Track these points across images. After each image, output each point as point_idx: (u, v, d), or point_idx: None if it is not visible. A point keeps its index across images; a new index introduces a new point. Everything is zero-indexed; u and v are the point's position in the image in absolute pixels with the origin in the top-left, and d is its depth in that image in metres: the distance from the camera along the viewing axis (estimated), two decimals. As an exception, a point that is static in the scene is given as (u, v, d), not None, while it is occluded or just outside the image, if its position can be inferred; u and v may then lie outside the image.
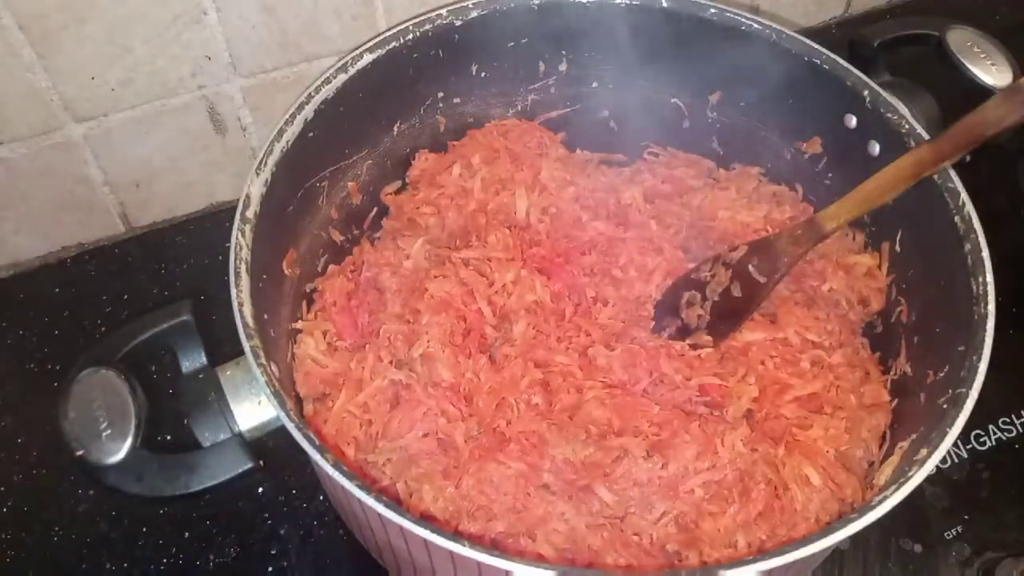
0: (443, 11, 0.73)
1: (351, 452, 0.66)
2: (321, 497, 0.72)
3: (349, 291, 0.73)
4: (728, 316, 0.70)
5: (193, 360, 0.62)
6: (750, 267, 0.69)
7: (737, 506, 0.62)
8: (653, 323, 0.72)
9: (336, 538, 0.70)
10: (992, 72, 0.80)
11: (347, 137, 0.74)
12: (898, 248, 0.71)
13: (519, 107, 0.84)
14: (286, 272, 0.69)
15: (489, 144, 0.82)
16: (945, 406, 0.55)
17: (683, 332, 0.71)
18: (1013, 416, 0.78)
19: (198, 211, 0.92)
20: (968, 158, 0.63)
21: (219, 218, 0.90)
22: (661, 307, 0.73)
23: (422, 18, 0.72)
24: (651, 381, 0.68)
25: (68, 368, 0.60)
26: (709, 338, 0.70)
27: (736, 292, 0.69)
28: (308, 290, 0.73)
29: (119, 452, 0.57)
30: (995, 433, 0.77)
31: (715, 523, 0.62)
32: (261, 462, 0.59)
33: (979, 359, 0.55)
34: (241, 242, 0.59)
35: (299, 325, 0.70)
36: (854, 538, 0.50)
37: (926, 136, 0.66)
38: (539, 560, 0.59)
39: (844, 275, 0.73)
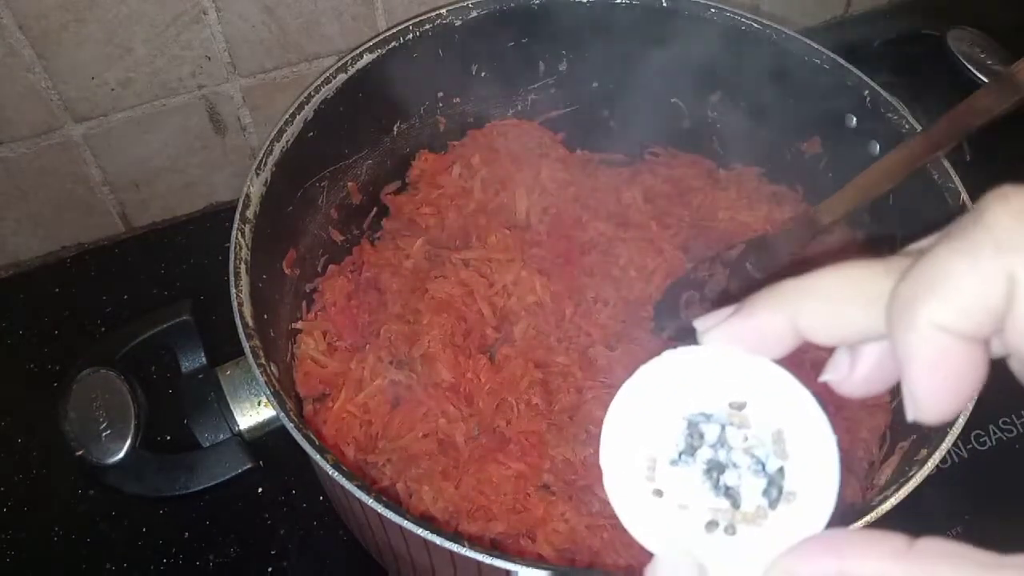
0: (443, 11, 0.73)
1: (351, 452, 0.66)
2: (321, 497, 0.72)
3: (349, 291, 0.73)
4: None
5: (193, 360, 0.62)
6: (748, 265, 0.69)
7: (737, 506, 0.62)
8: (653, 324, 0.72)
9: (336, 538, 0.70)
10: (992, 72, 0.80)
11: (347, 137, 0.74)
12: (898, 248, 0.71)
13: (519, 107, 0.84)
14: (286, 272, 0.69)
15: (489, 144, 0.82)
16: (945, 406, 0.55)
17: (683, 332, 0.71)
18: (1013, 416, 0.78)
19: (198, 211, 0.91)
20: (968, 158, 0.63)
21: (219, 218, 0.90)
22: (660, 308, 0.73)
23: (422, 18, 0.72)
24: (651, 381, 0.68)
25: (68, 368, 0.60)
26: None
27: (735, 290, 0.69)
28: (308, 290, 0.73)
29: (119, 452, 0.57)
30: (995, 433, 0.77)
31: (715, 523, 0.62)
32: (261, 462, 0.59)
33: (979, 359, 0.55)
34: (241, 242, 0.59)
35: (299, 325, 0.70)
36: (854, 538, 0.51)
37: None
38: (539, 560, 0.59)
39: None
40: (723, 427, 0.28)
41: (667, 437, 0.29)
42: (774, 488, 0.28)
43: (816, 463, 0.28)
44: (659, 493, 0.28)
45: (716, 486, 0.28)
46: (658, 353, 0.29)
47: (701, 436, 0.28)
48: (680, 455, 0.28)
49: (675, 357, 0.29)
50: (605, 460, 0.29)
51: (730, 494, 0.28)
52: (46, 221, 0.85)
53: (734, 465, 0.28)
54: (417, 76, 0.75)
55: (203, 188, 0.90)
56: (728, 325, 0.28)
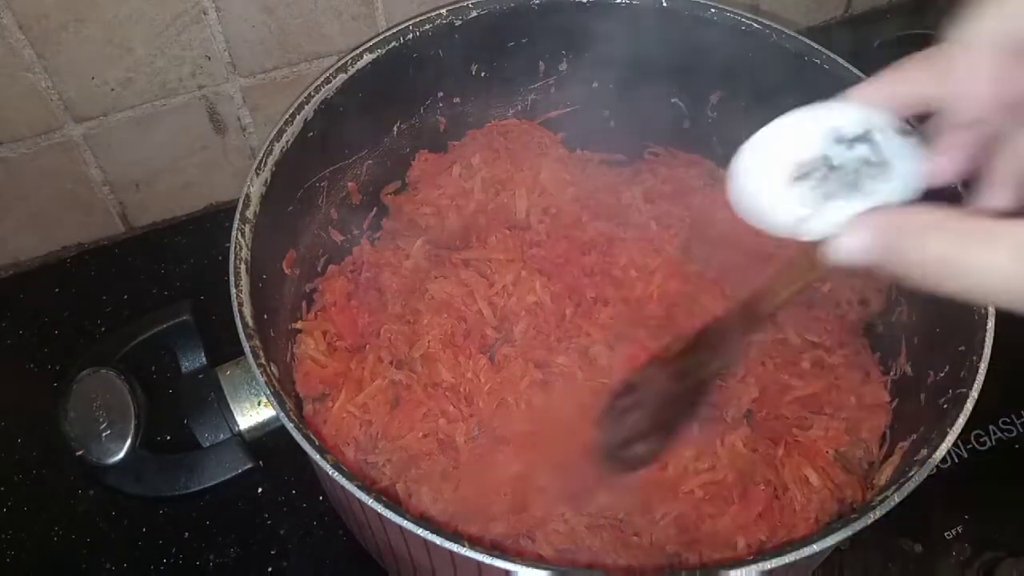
0: (443, 11, 0.73)
1: (351, 452, 0.66)
2: (321, 497, 0.72)
3: (349, 291, 0.73)
4: (672, 418, 0.59)
5: (193, 360, 0.62)
6: (689, 362, 0.58)
7: (737, 507, 0.62)
8: (601, 434, 0.61)
9: (336, 538, 0.70)
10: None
11: (347, 137, 0.74)
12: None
13: (519, 107, 0.84)
14: (286, 272, 0.69)
15: (489, 144, 0.82)
16: (945, 406, 0.55)
17: (627, 443, 0.60)
18: (1013, 416, 0.78)
19: (198, 211, 0.91)
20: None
21: (219, 218, 0.90)
22: (606, 417, 0.62)
23: (422, 18, 0.72)
24: (651, 381, 0.68)
25: (68, 368, 0.61)
26: (650, 448, 0.59)
27: (679, 390, 0.58)
28: (308, 290, 0.73)
29: (119, 452, 0.57)
30: (995, 433, 0.77)
31: (715, 524, 0.62)
32: (261, 462, 0.59)
33: (979, 359, 0.55)
34: (241, 242, 0.59)
35: (299, 325, 0.70)
36: (854, 538, 0.50)
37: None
38: (539, 560, 0.59)
39: (844, 275, 0.73)
40: (848, 144, 0.39)
41: (802, 146, 0.41)
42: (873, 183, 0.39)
43: (908, 183, 0.39)
44: (789, 178, 0.41)
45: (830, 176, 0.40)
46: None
47: (832, 144, 0.40)
48: (808, 160, 0.40)
49: (820, 106, 0.41)
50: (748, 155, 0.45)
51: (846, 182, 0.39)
52: (46, 221, 0.85)
53: (849, 168, 0.39)
54: (417, 76, 0.75)
55: (203, 188, 0.90)
56: (874, 82, 0.40)
